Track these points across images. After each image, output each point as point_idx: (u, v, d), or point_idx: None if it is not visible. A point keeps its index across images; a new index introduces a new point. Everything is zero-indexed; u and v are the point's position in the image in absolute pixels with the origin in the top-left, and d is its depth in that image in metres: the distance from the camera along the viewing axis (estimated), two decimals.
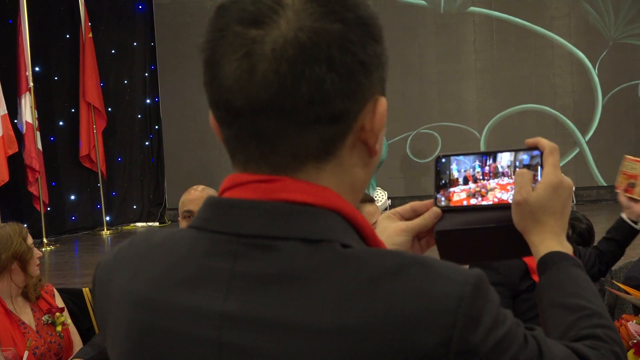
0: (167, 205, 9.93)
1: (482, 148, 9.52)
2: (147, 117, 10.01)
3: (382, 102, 0.84)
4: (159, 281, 0.84)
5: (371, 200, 2.93)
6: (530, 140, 1.05)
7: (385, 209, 9.13)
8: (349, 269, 0.77)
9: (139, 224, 9.85)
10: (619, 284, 2.67)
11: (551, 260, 0.99)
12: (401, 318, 0.75)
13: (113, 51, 9.68)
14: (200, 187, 3.17)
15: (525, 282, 2.89)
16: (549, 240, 1.00)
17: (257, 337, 0.78)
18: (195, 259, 0.83)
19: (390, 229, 1.09)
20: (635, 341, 2.20)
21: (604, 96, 9.42)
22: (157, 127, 10.03)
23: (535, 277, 2.90)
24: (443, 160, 1.09)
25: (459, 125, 9.60)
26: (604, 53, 9.40)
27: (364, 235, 0.84)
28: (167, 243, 0.87)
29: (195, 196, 3.08)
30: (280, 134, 0.81)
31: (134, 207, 9.94)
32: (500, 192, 1.06)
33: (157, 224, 9.82)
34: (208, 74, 0.84)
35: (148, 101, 9.99)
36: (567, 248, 1.01)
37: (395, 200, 9.50)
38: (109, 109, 9.40)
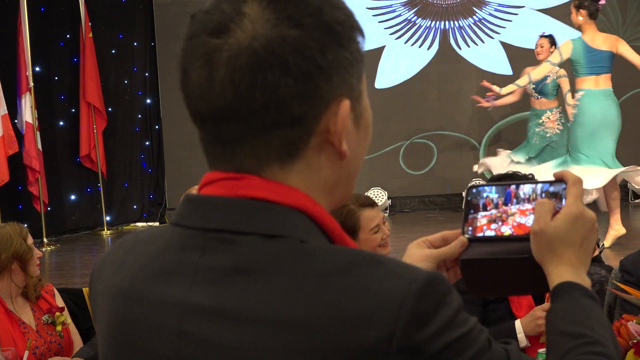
0: (167, 205, 9.93)
1: (482, 156, 9.48)
2: (147, 117, 10.00)
3: (344, 105, 0.85)
4: (136, 274, 0.88)
5: (372, 204, 2.88)
6: (557, 173, 1.05)
7: (386, 209, 9.13)
8: (302, 264, 0.80)
9: (139, 224, 9.85)
10: (618, 284, 2.67)
11: (562, 289, 0.98)
12: (345, 313, 0.77)
13: (113, 51, 9.68)
14: None
15: None
16: (565, 271, 0.99)
17: (214, 328, 0.81)
18: (169, 253, 0.87)
19: (416, 255, 1.09)
20: (635, 341, 2.20)
21: None
22: (157, 127, 10.03)
23: None
24: (474, 190, 1.10)
25: (457, 134, 9.55)
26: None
27: (332, 235, 0.86)
28: (149, 239, 0.92)
29: None
30: (240, 139, 0.84)
31: (134, 207, 9.93)
32: (519, 216, 1.06)
33: (157, 224, 9.82)
34: (180, 82, 0.89)
35: (148, 101, 9.99)
36: (584, 281, 0.99)
37: (396, 200, 9.50)
38: (109, 109, 9.40)
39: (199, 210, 0.87)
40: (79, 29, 9.07)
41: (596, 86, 6.78)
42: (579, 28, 6.82)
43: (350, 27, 0.86)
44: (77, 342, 3.15)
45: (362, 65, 0.88)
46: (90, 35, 9.01)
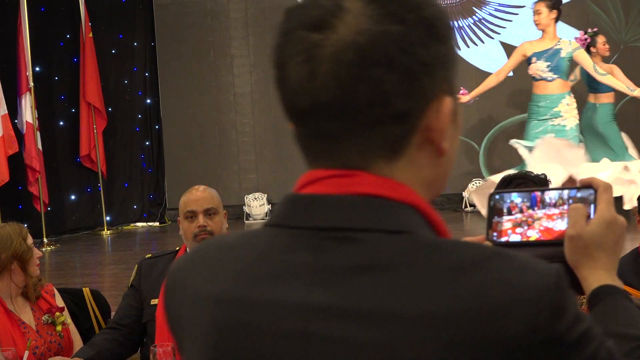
0: (167, 205, 9.93)
1: (482, 162, 9.45)
2: (147, 117, 10.01)
3: (447, 102, 0.85)
4: (239, 279, 0.86)
5: None
6: (585, 179, 1.07)
7: None
8: (434, 258, 0.80)
9: (139, 224, 9.85)
10: None
11: (604, 292, 1.00)
12: (487, 306, 0.77)
13: (113, 51, 9.69)
14: (202, 187, 3.16)
15: None
16: (601, 275, 1.01)
17: (345, 327, 0.79)
18: (276, 254, 0.85)
19: None
20: None
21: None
22: (157, 127, 10.03)
23: None
24: (497, 197, 1.11)
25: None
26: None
27: (438, 230, 0.86)
28: (242, 243, 0.90)
29: (198, 196, 3.07)
30: (344, 134, 0.84)
31: (134, 207, 9.94)
32: (546, 221, 1.07)
33: (157, 224, 9.82)
34: (276, 77, 0.87)
35: (148, 101, 9.99)
36: (618, 284, 1.02)
37: None
38: (109, 109, 9.40)
39: (308, 210, 0.85)
40: (79, 29, 9.07)
41: None
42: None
43: (446, 24, 0.86)
44: (77, 342, 3.15)
45: (457, 63, 0.89)
46: (90, 35, 9.01)
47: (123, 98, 9.81)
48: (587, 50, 7.72)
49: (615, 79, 7.65)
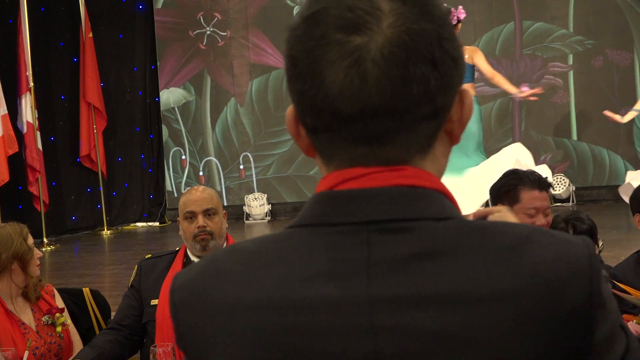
0: (167, 205, 9.93)
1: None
2: (147, 117, 10.00)
3: (468, 93, 0.88)
4: (283, 281, 0.83)
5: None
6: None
7: None
8: (489, 240, 0.83)
9: (139, 224, 9.85)
10: (618, 284, 2.67)
11: None
12: (548, 279, 0.81)
13: (113, 51, 9.68)
14: (201, 188, 3.16)
15: None
16: None
17: (414, 315, 0.80)
18: (321, 253, 0.83)
19: None
20: None
21: None
22: (157, 127, 10.03)
23: None
24: None
25: None
26: None
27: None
28: (270, 247, 0.87)
29: (197, 197, 3.07)
30: (393, 135, 0.84)
31: (134, 207, 9.94)
32: None
33: (157, 224, 9.82)
34: (308, 84, 0.84)
35: (148, 101, 9.99)
36: None
37: None
38: (109, 109, 9.40)
39: (350, 205, 0.84)
40: (79, 29, 9.08)
41: None
42: None
43: None
44: (77, 343, 3.15)
45: None
46: (90, 35, 9.01)
47: (123, 98, 9.81)
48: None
49: (502, 78, 7.49)
